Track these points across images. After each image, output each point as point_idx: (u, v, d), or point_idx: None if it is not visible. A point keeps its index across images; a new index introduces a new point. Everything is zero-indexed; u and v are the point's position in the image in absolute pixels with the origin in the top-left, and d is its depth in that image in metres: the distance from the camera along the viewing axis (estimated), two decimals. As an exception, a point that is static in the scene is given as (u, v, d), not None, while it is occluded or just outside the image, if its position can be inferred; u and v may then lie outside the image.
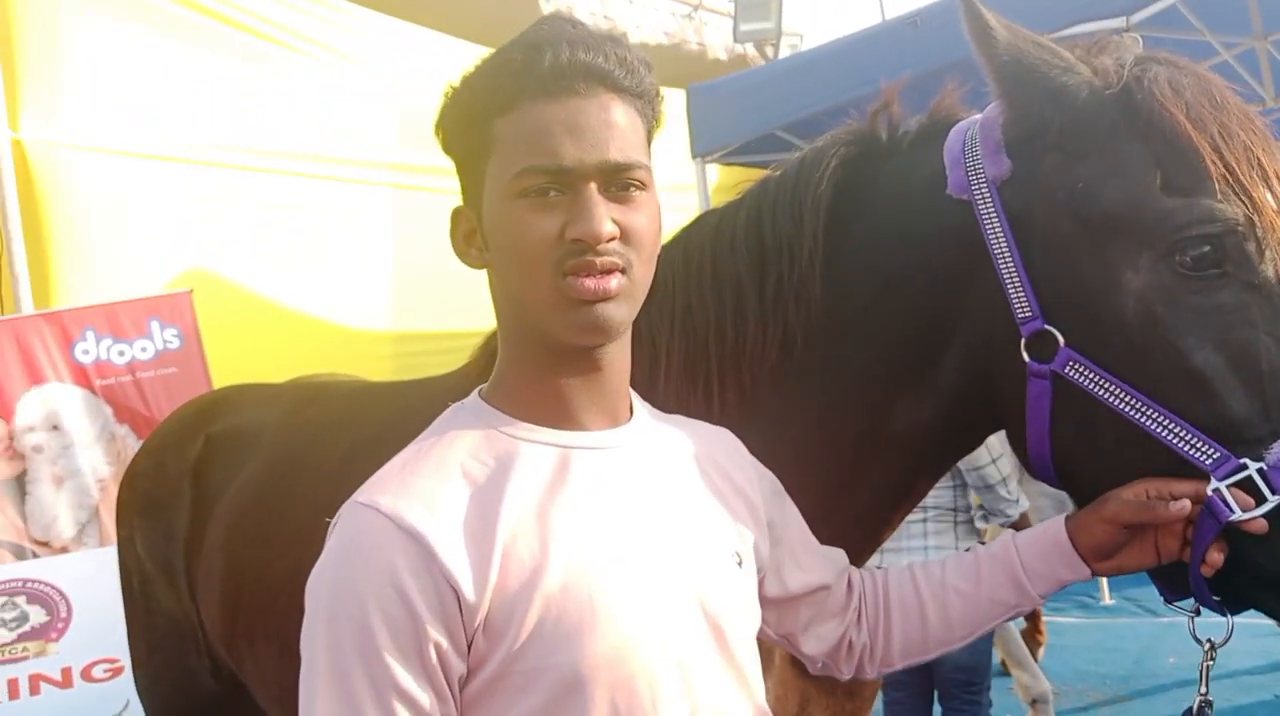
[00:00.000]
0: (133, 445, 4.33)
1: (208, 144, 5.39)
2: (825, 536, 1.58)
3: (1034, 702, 4.83)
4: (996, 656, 5.28)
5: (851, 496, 1.59)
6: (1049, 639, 6.05)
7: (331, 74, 5.95)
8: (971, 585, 1.43)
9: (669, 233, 1.75)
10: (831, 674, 1.47)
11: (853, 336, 1.55)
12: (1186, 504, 1.28)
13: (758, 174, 1.76)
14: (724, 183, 6.57)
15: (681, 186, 5.89)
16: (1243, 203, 1.29)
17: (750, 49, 8.55)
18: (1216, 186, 1.29)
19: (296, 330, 5.64)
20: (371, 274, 6.09)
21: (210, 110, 5.44)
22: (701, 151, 5.39)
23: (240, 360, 4.85)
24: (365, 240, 6.04)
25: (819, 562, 1.42)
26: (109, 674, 4.23)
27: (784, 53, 7.91)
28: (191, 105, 5.38)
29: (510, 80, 1.09)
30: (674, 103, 5.98)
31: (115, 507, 2.74)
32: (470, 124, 1.13)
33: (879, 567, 1.54)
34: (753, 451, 1.44)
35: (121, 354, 4.58)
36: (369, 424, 1.97)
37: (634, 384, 1.53)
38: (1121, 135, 1.36)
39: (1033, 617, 5.95)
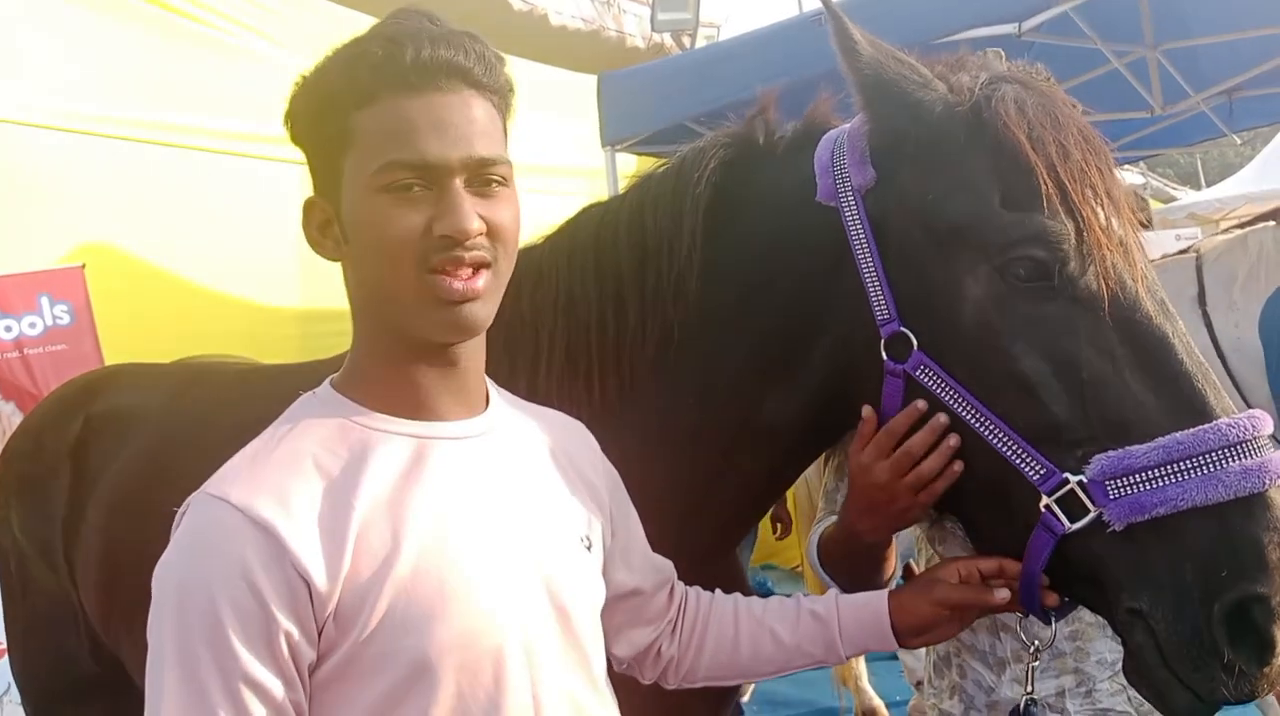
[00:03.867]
0: (18, 423, 4.21)
1: (105, 117, 5.23)
2: (701, 523, 1.65)
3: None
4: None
5: (724, 485, 1.66)
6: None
7: (239, 49, 5.82)
8: (788, 632, 1.49)
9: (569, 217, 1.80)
10: (634, 675, 1.52)
11: (726, 332, 1.61)
12: (1007, 592, 1.43)
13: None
14: (639, 171, 6.56)
15: (593, 171, 5.92)
16: (1072, 219, 1.38)
17: (668, 39, 8.59)
18: (1049, 203, 1.37)
19: (200, 307, 5.51)
20: (278, 252, 5.98)
21: (108, 82, 5.28)
22: (611, 139, 5.40)
23: (140, 336, 4.73)
24: (272, 218, 5.92)
25: (645, 567, 1.47)
26: (-10, 656, 4.12)
27: (701, 44, 7.95)
28: (89, 76, 5.21)
29: (370, 73, 1.10)
30: (586, 89, 6.01)
31: (-8, 487, 2.68)
32: (325, 115, 1.13)
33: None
34: (633, 440, 1.50)
35: (9, 329, 4.44)
36: (251, 407, 1.95)
37: (518, 373, 1.56)
38: (969, 151, 1.44)
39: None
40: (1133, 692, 1.73)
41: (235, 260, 5.76)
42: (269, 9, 5.93)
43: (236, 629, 1.02)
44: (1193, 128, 7.23)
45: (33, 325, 4.46)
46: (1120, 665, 1.77)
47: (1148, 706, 1.46)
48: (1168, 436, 1.30)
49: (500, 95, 1.18)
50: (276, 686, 1.03)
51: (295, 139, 1.19)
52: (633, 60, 7.86)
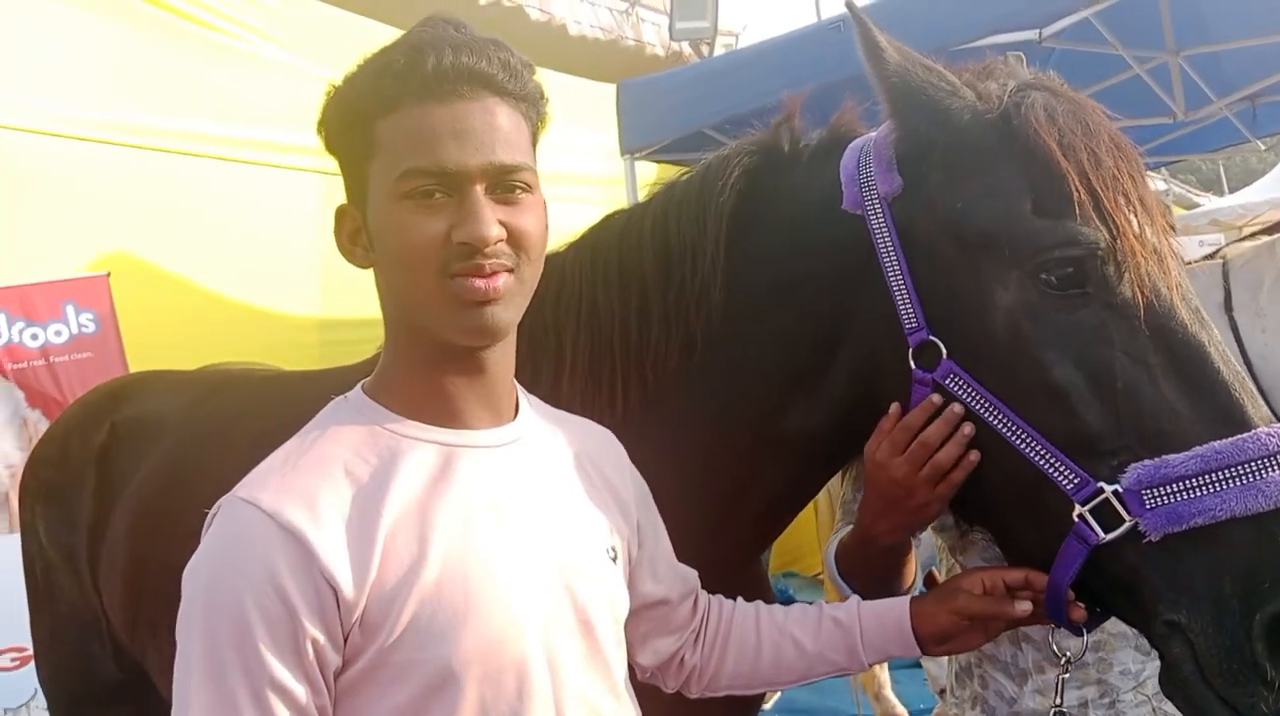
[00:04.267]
0: (44, 429, 4.24)
1: (130, 125, 5.28)
2: (725, 533, 1.64)
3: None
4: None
5: (748, 495, 1.65)
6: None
7: (260, 58, 5.87)
8: (810, 640, 1.48)
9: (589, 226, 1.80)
10: (657, 684, 1.51)
11: (750, 341, 1.60)
12: (1029, 605, 1.40)
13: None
14: (659, 179, 6.54)
15: (612, 179, 5.92)
16: (1106, 227, 1.36)
17: (686, 47, 8.59)
18: (1081, 211, 1.36)
19: (222, 315, 5.55)
20: (298, 260, 6.02)
21: (132, 90, 5.33)
22: (630, 147, 5.39)
23: (163, 345, 4.76)
24: (293, 226, 5.97)
25: (671, 577, 1.46)
26: (17, 662, 4.14)
27: (719, 52, 7.95)
28: (112, 84, 5.26)
29: (393, 82, 1.11)
30: (605, 98, 6.01)
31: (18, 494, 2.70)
32: (352, 124, 1.14)
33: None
34: (656, 450, 1.49)
35: (35, 337, 4.49)
36: (275, 413, 1.96)
37: (540, 381, 1.56)
38: (999, 158, 1.43)
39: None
40: (1157, 704, 1.71)
41: (257, 268, 5.81)
42: (277, 13, 5.99)
43: (264, 634, 1.02)
44: (1215, 134, 7.16)
45: (58, 333, 4.50)
46: (1143, 675, 1.75)
47: None
48: (1205, 445, 1.28)
49: (529, 102, 1.18)
50: (302, 691, 1.04)
51: (327, 147, 1.20)
52: (651, 68, 7.86)
